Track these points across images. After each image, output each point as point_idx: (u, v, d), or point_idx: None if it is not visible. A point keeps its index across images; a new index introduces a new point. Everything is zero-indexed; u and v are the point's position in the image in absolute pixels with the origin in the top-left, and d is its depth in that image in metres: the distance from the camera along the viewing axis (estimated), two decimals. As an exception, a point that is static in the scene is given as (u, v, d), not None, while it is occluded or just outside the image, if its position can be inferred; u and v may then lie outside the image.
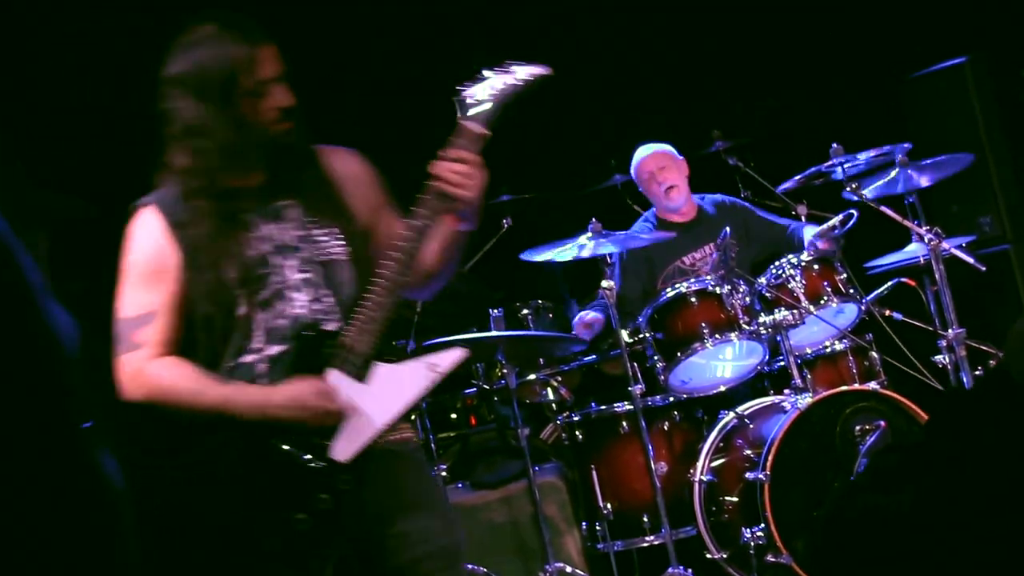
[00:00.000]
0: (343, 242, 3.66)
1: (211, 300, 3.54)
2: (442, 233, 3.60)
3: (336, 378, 3.52)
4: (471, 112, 3.64)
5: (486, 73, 3.73)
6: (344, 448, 3.52)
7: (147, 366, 3.49)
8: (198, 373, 3.52)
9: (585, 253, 6.22)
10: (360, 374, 3.54)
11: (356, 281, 3.62)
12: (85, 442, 1.02)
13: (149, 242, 3.57)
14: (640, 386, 5.99)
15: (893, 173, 6.26)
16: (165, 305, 3.51)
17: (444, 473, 6.54)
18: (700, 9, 8.39)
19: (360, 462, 3.54)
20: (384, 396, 3.61)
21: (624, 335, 6.14)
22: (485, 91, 3.72)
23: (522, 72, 3.71)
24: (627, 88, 8.31)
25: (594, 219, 6.19)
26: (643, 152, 6.82)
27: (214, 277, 3.52)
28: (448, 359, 3.62)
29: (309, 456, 3.58)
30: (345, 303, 3.61)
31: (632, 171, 6.89)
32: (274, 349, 3.57)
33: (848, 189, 6.15)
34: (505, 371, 6.08)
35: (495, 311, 6.34)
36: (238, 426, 3.55)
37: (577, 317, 6.67)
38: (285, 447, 3.56)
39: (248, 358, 3.56)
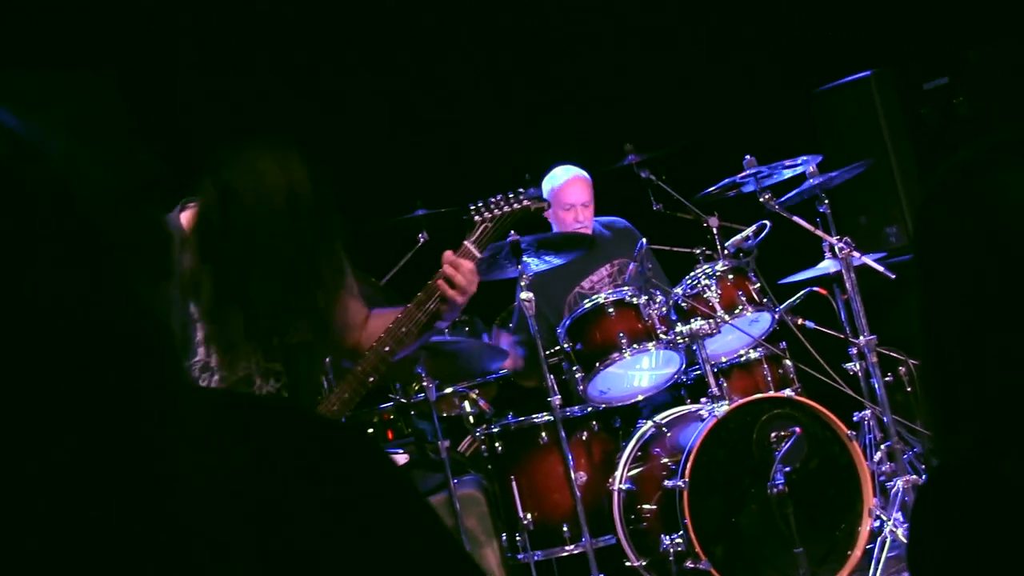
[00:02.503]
0: (308, 335, 3.87)
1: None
2: (419, 324, 3.88)
3: None
4: (475, 235, 3.99)
5: (491, 200, 4.09)
6: None
7: None
8: None
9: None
10: None
11: (318, 371, 4.08)
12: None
13: None
14: (558, 397, 5.97)
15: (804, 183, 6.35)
16: None
17: None
18: (612, 18, 8.48)
19: None
20: None
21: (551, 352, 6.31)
22: (488, 217, 4.06)
23: (523, 203, 4.10)
24: (538, 100, 8.33)
25: (513, 231, 5.98)
26: (567, 177, 6.89)
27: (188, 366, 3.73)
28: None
29: None
30: (305, 392, 3.93)
31: (549, 193, 6.84)
32: None
33: (762, 200, 6.27)
34: (425, 384, 6.11)
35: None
36: None
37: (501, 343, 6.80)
38: None
39: None
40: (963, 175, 1.93)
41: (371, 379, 3.90)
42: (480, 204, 4.15)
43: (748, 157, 6.22)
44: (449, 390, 6.73)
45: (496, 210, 4.14)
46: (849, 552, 5.91)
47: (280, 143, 3.80)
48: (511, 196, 4.19)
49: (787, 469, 5.75)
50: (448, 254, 3.92)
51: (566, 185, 6.81)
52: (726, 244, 6.39)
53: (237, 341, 3.78)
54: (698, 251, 6.50)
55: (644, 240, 6.55)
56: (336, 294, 3.91)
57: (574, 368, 6.22)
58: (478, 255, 4.01)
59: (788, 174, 6.43)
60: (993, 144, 1.93)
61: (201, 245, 3.69)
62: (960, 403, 1.93)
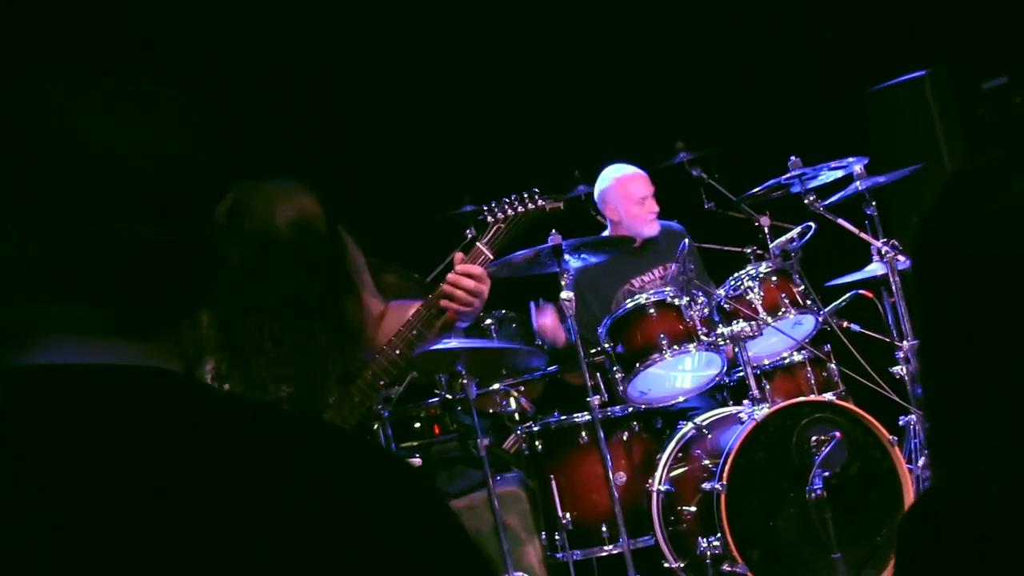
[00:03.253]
0: (326, 335, 3.62)
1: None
2: (433, 327, 3.79)
3: None
4: (487, 236, 3.92)
5: (505, 200, 4.01)
6: None
7: None
8: None
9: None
10: None
11: (331, 375, 3.69)
12: None
13: None
14: (599, 397, 6.06)
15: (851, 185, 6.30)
16: None
17: None
18: (665, 15, 8.45)
19: None
20: None
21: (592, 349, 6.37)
22: (502, 218, 3.98)
23: (537, 203, 4.01)
24: (589, 99, 8.38)
25: (554, 231, 6.16)
26: (628, 172, 6.91)
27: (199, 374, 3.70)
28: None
29: None
30: (317, 396, 3.74)
31: (610, 189, 6.94)
32: None
33: (806, 201, 6.22)
34: (464, 381, 6.18)
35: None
36: None
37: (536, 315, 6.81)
38: None
39: None
40: (971, 184, 1.98)
41: (381, 383, 3.86)
42: (494, 204, 4.07)
43: (793, 158, 6.17)
44: (494, 387, 6.78)
45: (510, 211, 4.08)
46: (890, 558, 5.82)
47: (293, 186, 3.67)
48: (526, 196, 4.11)
49: (826, 474, 5.72)
50: (458, 257, 3.87)
51: (633, 180, 6.85)
52: (771, 246, 6.38)
53: (247, 347, 3.55)
54: (748, 251, 6.54)
55: (687, 241, 6.56)
56: (353, 298, 3.73)
57: (615, 368, 6.25)
58: (491, 257, 3.95)
59: (834, 176, 6.41)
60: (1007, 155, 1.93)
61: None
62: (954, 424, 1.93)
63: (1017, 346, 1.85)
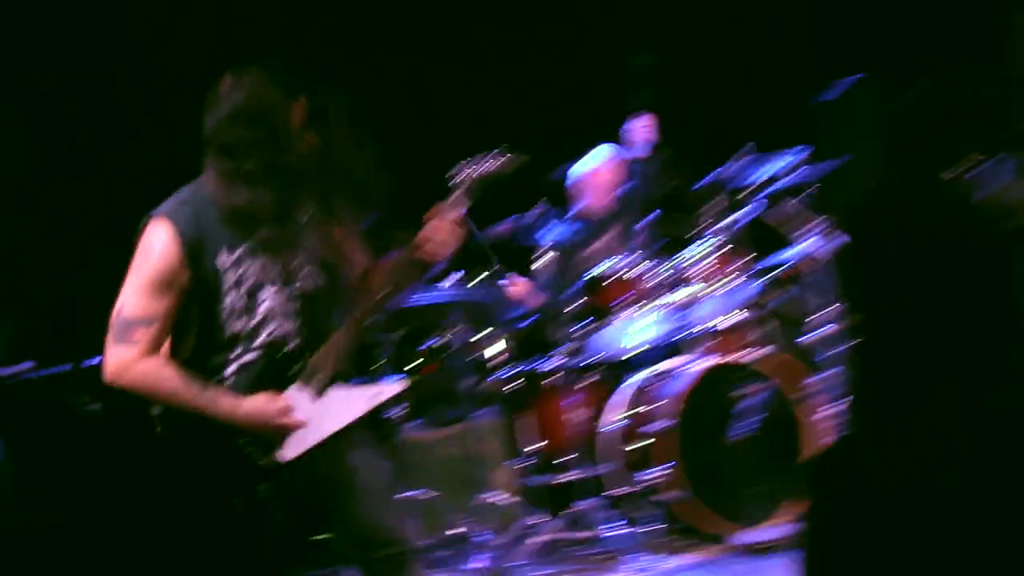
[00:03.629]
0: (327, 281, 4.08)
1: (212, 325, 3.93)
2: (415, 272, 4.17)
3: (298, 391, 3.94)
4: (462, 187, 4.19)
5: (476, 157, 4.29)
6: (290, 450, 3.95)
7: (137, 362, 3.80)
8: (179, 377, 3.85)
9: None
10: (319, 391, 3.98)
11: (331, 315, 4.10)
12: None
13: (165, 257, 3.83)
14: (567, 346, 6.71)
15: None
16: (164, 314, 3.81)
17: (403, 414, 7.03)
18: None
19: (303, 461, 3.98)
20: (333, 412, 4.03)
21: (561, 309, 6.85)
22: (474, 170, 4.25)
23: (502, 159, 4.31)
24: (568, 91, 8.80)
25: (543, 202, 6.90)
26: (605, 155, 7.50)
27: (224, 305, 3.91)
28: (390, 390, 4.17)
29: (264, 455, 4.00)
30: (318, 334, 4.03)
31: (589, 169, 7.50)
32: (247, 357, 3.97)
33: (758, 183, 6.87)
34: (457, 329, 6.88)
35: (456, 273, 6.87)
36: (216, 425, 3.91)
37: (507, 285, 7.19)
38: (248, 447, 3.99)
39: (227, 367, 3.97)
40: (922, 183, 2.42)
41: (367, 322, 4.18)
42: (468, 160, 4.28)
43: (750, 144, 6.82)
44: (482, 334, 7.09)
45: (481, 166, 4.28)
46: (793, 489, 6.43)
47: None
48: (496, 153, 4.30)
49: (753, 422, 6.40)
50: (435, 210, 4.09)
51: (609, 164, 7.47)
52: (723, 221, 6.83)
53: (266, 287, 3.98)
54: (703, 223, 6.95)
55: (654, 213, 7.10)
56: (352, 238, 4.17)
57: (579, 324, 6.74)
58: (464, 204, 4.19)
59: (782, 163, 6.87)
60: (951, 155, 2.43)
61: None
62: (906, 415, 2.35)
63: (971, 334, 2.24)
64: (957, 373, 2.26)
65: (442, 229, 4.02)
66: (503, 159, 4.28)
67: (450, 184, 4.21)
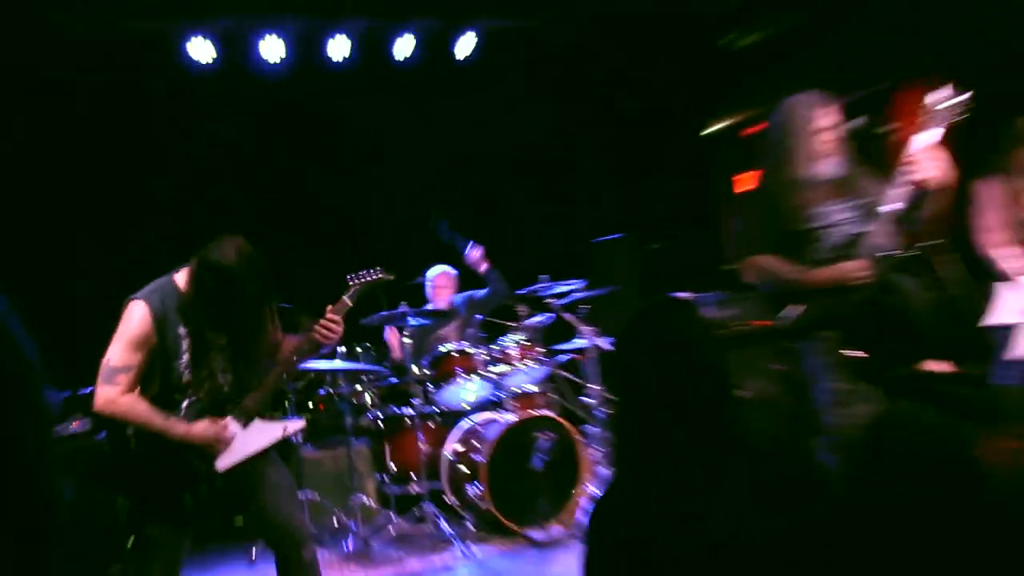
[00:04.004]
0: (252, 350, 4.20)
1: (174, 371, 4.03)
2: (312, 349, 4.31)
3: (232, 422, 4.12)
4: (348, 294, 4.39)
5: (359, 272, 4.46)
6: (222, 462, 4.10)
7: (119, 397, 3.92)
8: (148, 409, 3.95)
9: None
10: (245, 423, 4.16)
11: (254, 372, 4.22)
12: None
13: (141, 326, 3.95)
14: (419, 400, 6.90)
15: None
16: (138, 365, 3.96)
17: (302, 439, 7.28)
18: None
19: (232, 470, 4.11)
20: (254, 438, 4.20)
21: (415, 369, 6.99)
22: (357, 282, 4.45)
23: (379, 274, 4.48)
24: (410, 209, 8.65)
25: (404, 303, 7.04)
26: (440, 270, 7.67)
27: (179, 362, 4.02)
28: (294, 426, 4.38)
29: (205, 465, 4.08)
30: (245, 384, 4.18)
31: (433, 276, 7.70)
32: (195, 398, 4.08)
33: (548, 301, 7.11)
34: (342, 383, 7.14)
35: (341, 349, 7.07)
36: (172, 443, 4.00)
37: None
38: (194, 459, 4.06)
39: (182, 404, 4.06)
40: (659, 314, 2.38)
41: (284, 376, 4.38)
42: (353, 274, 4.48)
43: (543, 276, 7.15)
44: (358, 387, 7.31)
45: (364, 278, 4.47)
46: (571, 504, 6.63)
47: (238, 238, 4.03)
48: (374, 270, 4.49)
49: (545, 456, 6.63)
50: (329, 308, 4.30)
51: (443, 274, 7.71)
52: (525, 323, 7.15)
53: (210, 354, 4.10)
54: (514, 324, 7.25)
55: (465, 304, 7.42)
56: (271, 326, 4.28)
57: (430, 385, 7.01)
58: (349, 305, 4.36)
59: (566, 287, 7.18)
60: (660, 301, 2.39)
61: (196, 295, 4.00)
62: (649, 455, 2.28)
63: (690, 399, 2.22)
64: (683, 423, 2.25)
65: (332, 322, 4.29)
66: (379, 275, 4.52)
67: (346, 286, 4.45)
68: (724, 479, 2.21)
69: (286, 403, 7.06)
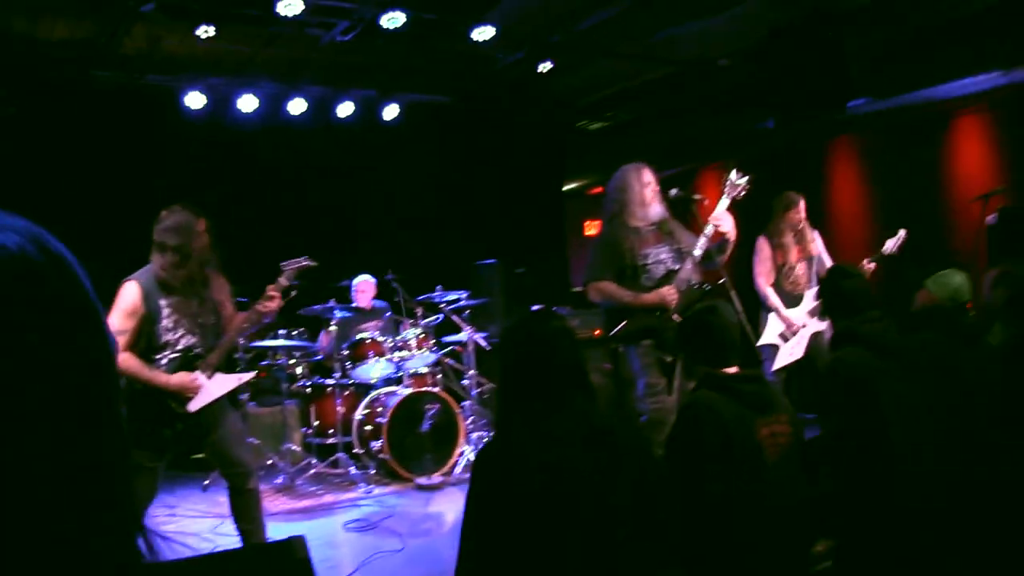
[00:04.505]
0: (214, 319, 4.21)
1: (156, 335, 4.04)
2: (257, 318, 4.29)
3: (199, 375, 4.11)
4: (282, 275, 4.36)
5: (295, 259, 4.43)
6: (194, 405, 4.11)
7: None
8: (138, 363, 3.99)
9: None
10: (209, 375, 4.16)
11: (216, 336, 4.21)
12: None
13: (132, 299, 4.00)
14: (339, 373, 6.93)
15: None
16: (131, 329, 3.98)
17: (249, 397, 7.18)
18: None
19: (201, 411, 4.11)
20: (217, 386, 4.19)
21: (338, 354, 6.98)
22: (291, 267, 4.40)
23: (304, 262, 4.44)
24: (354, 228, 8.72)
25: (332, 300, 7.08)
26: (363, 279, 7.50)
27: (159, 328, 4.05)
28: (246, 376, 4.63)
29: (180, 407, 4.08)
30: (209, 345, 4.18)
31: (357, 282, 7.49)
32: (173, 355, 4.08)
33: (442, 305, 7.18)
34: (281, 357, 7.14)
35: (281, 331, 6.98)
36: (155, 389, 4.01)
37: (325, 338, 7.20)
38: (171, 402, 4.07)
39: (161, 358, 4.06)
40: (531, 321, 2.41)
41: (237, 339, 4.57)
42: (286, 261, 4.41)
43: (438, 286, 7.25)
44: (292, 360, 7.21)
45: (294, 263, 4.41)
46: (450, 459, 6.60)
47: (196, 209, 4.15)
48: (302, 259, 4.45)
49: (430, 421, 6.65)
50: (269, 287, 4.25)
51: (365, 282, 7.50)
52: (422, 321, 7.14)
53: (183, 320, 4.08)
54: (413, 321, 7.15)
55: (389, 313, 7.61)
56: (227, 301, 4.32)
57: (348, 363, 6.96)
58: (285, 284, 4.32)
59: (454, 296, 7.20)
60: (543, 311, 2.49)
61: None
62: (510, 415, 2.29)
63: (552, 381, 2.27)
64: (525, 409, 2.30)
65: (271, 297, 4.28)
66: (305, 261, 4.49)
67: (279, 271, 4.41)
68: (573, 441, 2.24)
69: (238, 365, 7.02)
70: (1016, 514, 2.90)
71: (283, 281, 4.38)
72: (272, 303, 4.29)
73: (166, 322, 4.06)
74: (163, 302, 4.05)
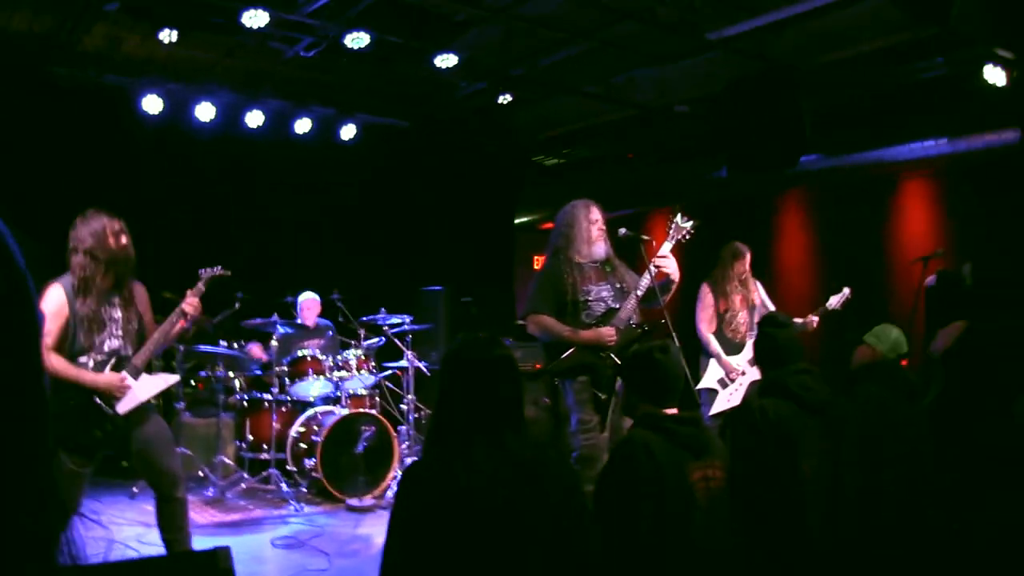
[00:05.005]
0: (136, 324, 4.23)
1: (79, 338, 4.06)
2: (176, 319, 4.30)
3: (127, 376, 4.14)
4: (203, 279, 4.46)
5: (207, 268, 4.50)
6: (122, 406, 4.14)
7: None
8: (64, 362, 4.02)
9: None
10: (136, 376, 4.18)
11: (140, 340, 4.23)
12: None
13: (56, 302, 4.02)
14: (276, 388, 6.89)
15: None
16: (56, 330, 4.01)
17: (184, 407, 7.19)
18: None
19: (128, 414, 4.14)
20: (144, 388, 4.21)
21: (277, 369, 6.93)
22: (205, 275, 4.47)
23: (218, 271, 4.50)
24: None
25: (275, 314, 7.02)
26: (308, 296, 7.47)
27: (83, 330, 4.06)
28: (173, 379, 4.49)
29: (108, 408, 4.09)
30: (134, 347, 4.20)
31: (302, 300, 7.44)
32: (98, 357, 4.09)
33: (385, 328, 7.23)
34: (219, 368, 7.01)
35: (222, 343, 6.97)
36: (81, 388, 4.03)
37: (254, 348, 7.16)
38: (98, 401, 4.08)
39: (86, 360, 4.07)
40: (472, 343, 2.39)
41: (161, 342, 4.27)
42: (203, 268, 4.49)
43: (382, 309, 7.25)
44: (231, 374, 7.10)
45: (209, 272, 4.48)
46: (383, 482, 6.55)
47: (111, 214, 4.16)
48: (218, 267, 4.51)
49: (366, 443, 6.59)
50: (189, 293, 4.34)
51: (310, 300, 7.46)
52: (364, 342, 7.09)
53: (104, 323, 4.10)
54: (355, 342, 7.18)
55: (331, 331, 7.58)
56: (145, 307, 4.32)
57: (287, 379, 6.92)
58: (203, 289, 4.37)
59: (397, 319, 7.22)
60: (488, 336, 2.40)
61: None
62: (446, 438, 2.28)
63: (489, 404, 2.27)
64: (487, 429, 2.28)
65: (191, 303, 4.33)
66: (220, 271, 4.53)
67: (196, 279, 4.49)
68: (500, 469, 2.24)
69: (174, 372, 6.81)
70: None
71: (201, 287, 4.45)
72: (189, 305, 4.34)
73: (89, 324, 4.08)
74: (84, 305, 4.08)
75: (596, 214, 5.11)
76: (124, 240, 4.18)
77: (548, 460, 2.31)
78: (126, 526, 5.86)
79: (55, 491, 0.64)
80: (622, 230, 5.07)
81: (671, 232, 4.97)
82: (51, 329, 3.98)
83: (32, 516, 0.60)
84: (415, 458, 6.71)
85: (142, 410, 4.22)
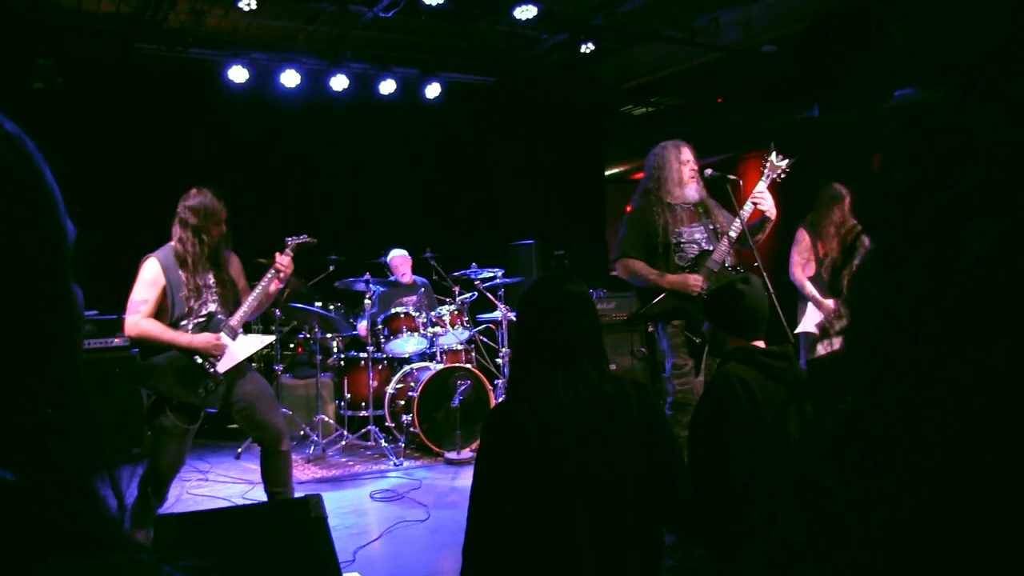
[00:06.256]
0: (230, 289, 4.32)
1: (178, 305, 4.19)
2: (272, 287, 4.43)
3: (224, 336, 4.24)
4: (290, 247, 4.58)
5: (295, 235, 4.68)
6: (221, 365, 4.24)
7: (140, 321, 4.09)
8: (162, 327, 4.15)
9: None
10: (233, 337, 4.29)
11: (235, 303, 4.33)
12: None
13: (152, 272, 4.17)
14: (372, 348, 6.92)
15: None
16: (153, 298, 4.14)
17: (283, 369, 7.14)
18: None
19: (228, 372, 4.25)
20: (241, 348, 4.32)
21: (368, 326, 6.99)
22: (296, 242, 4.64)
23: (306, 239, 4.70)
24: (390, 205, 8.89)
25: (368, 274, 7.03)
26: (398, 253, 7.52)
27: (181, 298, 4.20)
28: (268, 338, 4.65)
29: (210, 367, 4.20)
30: (232, 310, 4.32)
31: (391, 258, 7.51)
32: (197, 321, 4.20)
33: (476, 281, 7.14)
34: (317, 331, 7.14)
35: (317, 304, 7.05)
36: (183, 349, 4.16)
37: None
38: (200, 361, 4.20)
39: (186, 324, 4.19)
40: (547, 280, 2.36)
41: (256, 304, 4.37)
42: (290, 237, 4.68)
43: (473, 264, 7.27)
44: (329, 335, 7.20)
45: (298, 239, 4.66)
46: (479, 436, 6.48)
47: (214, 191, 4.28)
48: (304, 235, 4.72)
49: (461, 396, 6.60)
50: (278, 254, 4.45)
51: (401, 256, 7.50)
52: (457, 298, 7.16)
53: (201, 289, 4.22)
54: (448, 298, 7.34)
55: (424, 288, 7.57)
56: (239, 272, 4.45)
57: (382, 337, 6.95)
58: (291, 254, 4.45)
59: (489, 274, 7.14)
60: (561, 272, 2.64)
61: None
62: (528, 377, 2.25)
63: (571, 340, 2.23)
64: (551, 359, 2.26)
65: (284, 266, 4.44)
66: (306, 238, 4.72)
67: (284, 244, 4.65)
68: (582, 405, 2.20)
69: (272, 332, 6.96)
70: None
71: (290, 252, 4.57)
72: (280, 263, 4.45)
73: (186, 291, 4.21)
74: (182, 274, 4.21)
75: (687, 154, 4.94)
76: (224, 228, 4.31)
77: (628, 393, 2.25)
78: (231, 483, 6.02)
79: (76, 377, 0.62)
80: (708, 171, 4.91)
81: (766, 170, 4.77)
82: (147, 297, 4.13)
83: (56, 408, 0.59)
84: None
85: (241, 369, 4.32)
